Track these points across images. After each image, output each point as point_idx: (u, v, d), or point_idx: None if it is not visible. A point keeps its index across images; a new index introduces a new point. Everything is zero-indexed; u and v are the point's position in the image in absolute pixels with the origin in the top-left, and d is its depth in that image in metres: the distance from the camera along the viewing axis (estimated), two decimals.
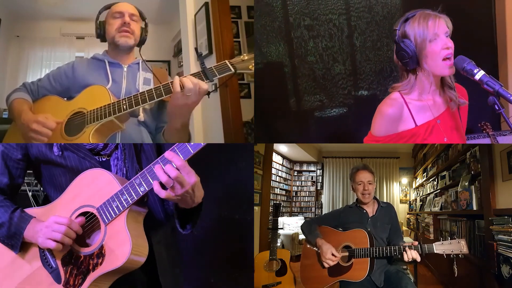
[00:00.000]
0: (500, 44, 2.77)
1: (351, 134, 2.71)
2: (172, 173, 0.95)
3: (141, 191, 0.98)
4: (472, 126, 2.27)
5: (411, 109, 1.58)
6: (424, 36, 1.50)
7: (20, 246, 1.05)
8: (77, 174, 1.07)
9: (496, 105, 1.41)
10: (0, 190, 1.15)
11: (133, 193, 0.98)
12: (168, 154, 0.97)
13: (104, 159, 1.16)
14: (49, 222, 1.00)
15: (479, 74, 1.43)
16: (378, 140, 1.61)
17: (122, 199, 0.98)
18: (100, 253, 0.97)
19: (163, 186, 0.97)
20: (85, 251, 1.00)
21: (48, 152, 1.13)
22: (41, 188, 1.16)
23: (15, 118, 1.92)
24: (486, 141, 2.50)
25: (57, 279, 1.02)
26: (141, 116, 1.99)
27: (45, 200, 1.19)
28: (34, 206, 1.18)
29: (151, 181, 0.98)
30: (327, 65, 2.69)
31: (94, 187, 1.01)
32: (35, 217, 1.07)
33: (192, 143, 0.99)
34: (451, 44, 1.51)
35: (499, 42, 2.77)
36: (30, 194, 1.61)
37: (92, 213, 1.01)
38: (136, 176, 1.01)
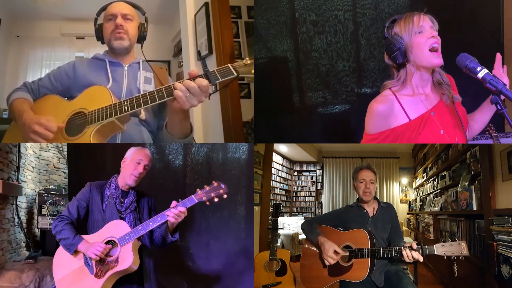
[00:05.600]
0: (507, 43, 2.71)
1: (353, 131, 2.69)
2: (178, 212, 1.79)
3: (141, 232, 1.80)
4: None
5: (403, 104, 1.61)
6: (410, 29, 1.58)
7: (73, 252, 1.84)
8: (107, 221, 1.88)
9: (498, 105, 1.40)
10: (72, 222, 1.89)
11: (136, 233, 1.80)
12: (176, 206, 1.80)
13: (123, 216, 1.93)
14: (94, 245, 1.79)
15: (482, 72, 1.41)
16: (373, 138, 1.62)
17: (130, 236, 1.80)
18: (116, 261, 1.80)
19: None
20: (109, 259, 1.81)
21: (100, 206, 1.93)
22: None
23: (16, 117, 1.92)
24: (489, 142, 2.49)
25: (91, 271, 1.80)
26: (143, 115, 1.99)
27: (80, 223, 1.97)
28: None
29: (146, 229, 1.80)
30: (331, 62, 2.68)
31: (116, 228, 1.84)
32: (85, 239, 1.84)
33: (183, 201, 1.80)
34: (436, 34, 1.57)
35: (506, 40, 2.71)
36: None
37: (115, 240, 1.83)
38: (139, 225, 1.83)
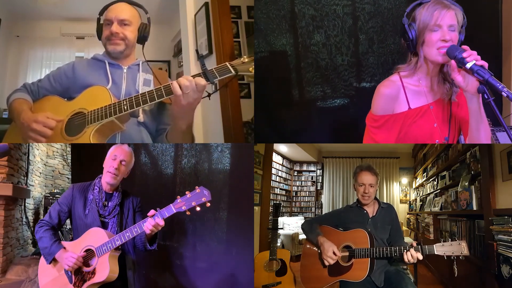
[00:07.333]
0: (505, 39, 2.73)
1: (351, 126, 2.68)
2: (155, 224, 1.68)
3: (117, 244, 1.71)
4: None
5: (407, 93, 1.66)
6: (426, 24, 1.57)
7: (52, 261, 1.80)
8: (89, 227, 1.81)
9: (485, 94, 1.43)
10: (52, 227, 1.84)
11: (113, 244, 1.71)
12: (154, 217, 1.68)
13: (106, 220, 1.86)
14: (67, 255, 1.74)
15: (470, 63, 1.44)
16: (375, 120, 1.68)
17: (107, 246, 1.71)
18: (93, 272, 1.73)
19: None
20: (86, 269, 1.75)
21: (82, 211, 1.85)
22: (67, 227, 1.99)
23: (15, 118, 1.92)
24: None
25: (70, 281, 1.76)
26: (141, 117, 1.99)
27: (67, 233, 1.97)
28: (62, 237, 2.01)
29: (122, 240, 1.71)
30: (330, 56, 2.70)
31: (95, 237, 1.76)
32: (64, 247, 1.79)
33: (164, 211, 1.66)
34: (449, 37, 1.54)
35: (505, 36, 2.74)
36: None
37: (92, 249, 1.75)
38: (116, 235, 1.73)
